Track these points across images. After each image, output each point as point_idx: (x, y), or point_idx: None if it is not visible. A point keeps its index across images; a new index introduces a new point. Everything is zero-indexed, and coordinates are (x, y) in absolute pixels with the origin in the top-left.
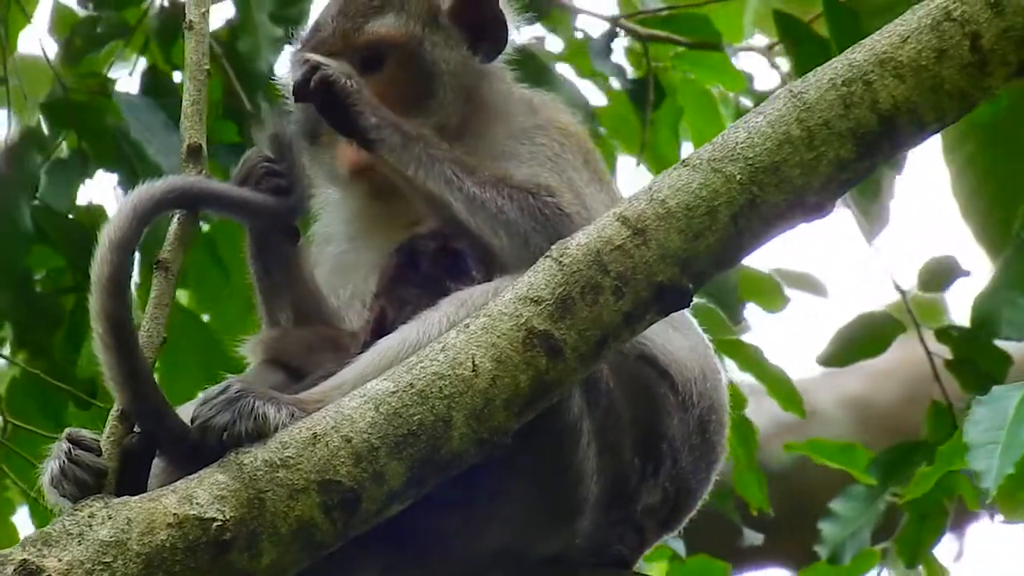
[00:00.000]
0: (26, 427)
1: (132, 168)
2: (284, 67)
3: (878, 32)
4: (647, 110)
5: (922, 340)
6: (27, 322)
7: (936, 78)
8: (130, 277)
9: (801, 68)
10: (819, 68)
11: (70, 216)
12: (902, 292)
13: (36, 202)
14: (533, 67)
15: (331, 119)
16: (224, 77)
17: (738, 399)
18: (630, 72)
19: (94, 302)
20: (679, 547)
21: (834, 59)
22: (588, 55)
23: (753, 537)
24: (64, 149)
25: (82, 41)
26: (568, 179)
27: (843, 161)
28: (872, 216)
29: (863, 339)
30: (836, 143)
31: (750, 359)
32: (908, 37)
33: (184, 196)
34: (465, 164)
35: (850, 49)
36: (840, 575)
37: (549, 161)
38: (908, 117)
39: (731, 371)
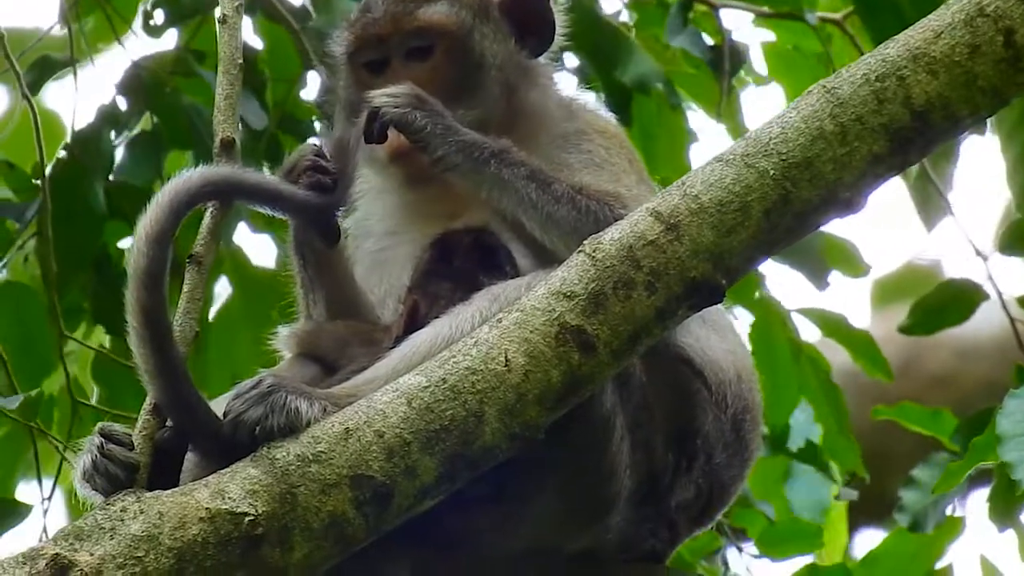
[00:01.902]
0: (97, 406)
1: (206, 145)
2: (335, 46)
3: (912, 27)
4: (724, 78)
5: (1004, 306)
6: (104, 300)
7: (969, 74)
8: (166, 270)
9: (876, 38)
10: (852, 63)
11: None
12: (984, 257)
13: (112, 179)
14: (610, 37)
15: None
16: (303, 53)
17: (822, 364)
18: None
19: (130, 295)
20: (769, 511)
21: (867, 54)
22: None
23: (848, 494)
24: (144, 124)
25: (168, 14)
26: (627, 186)
27: (876, 156)
28: (931, 202)
29: (946, 307)
30: (869, 138)
31: (833, 324)
32: (941, 32)
33: (219, 188)
34: (539, 178)
35: (883, 44)
36: (923, 543)
37: (603, 168)
38: (941, 113)
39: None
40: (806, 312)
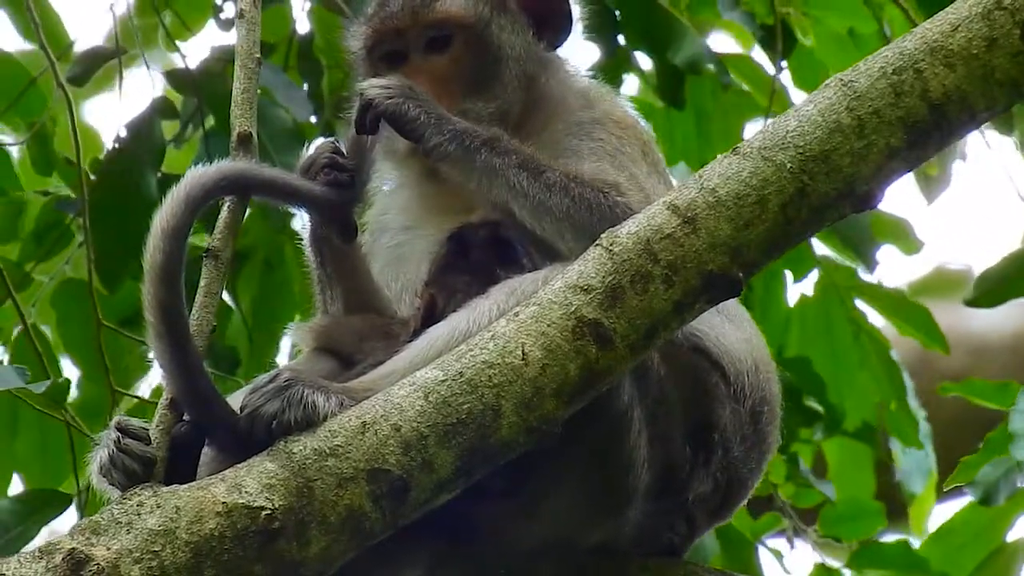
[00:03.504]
0: (135, 396)
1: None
2: (353, 41)
3: (929, 20)
4: (778, 57)
5: None
6: None
7: (986, 67)
8: (182, 265)
9: (926, 9)
10: (869, 56)
11: None
12: None
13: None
14: (660, 17)
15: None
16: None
17: (882, 343)
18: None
19: (146, 291)
20: (829, 490)
21: (884, 47)
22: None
23: (911, 480)
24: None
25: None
26: (631, 175)
27: (894, 150)
28: (933, 179)
29: (1013, 278)
30: (887, 132)
31: (890, 301)
32: (959, 25)
33: (235, 183)
34: (531, 166)
35: (901, 38)
36: (992, 516)
37: (610, 156)
38: (959, 106)
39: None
40: (860, 289)
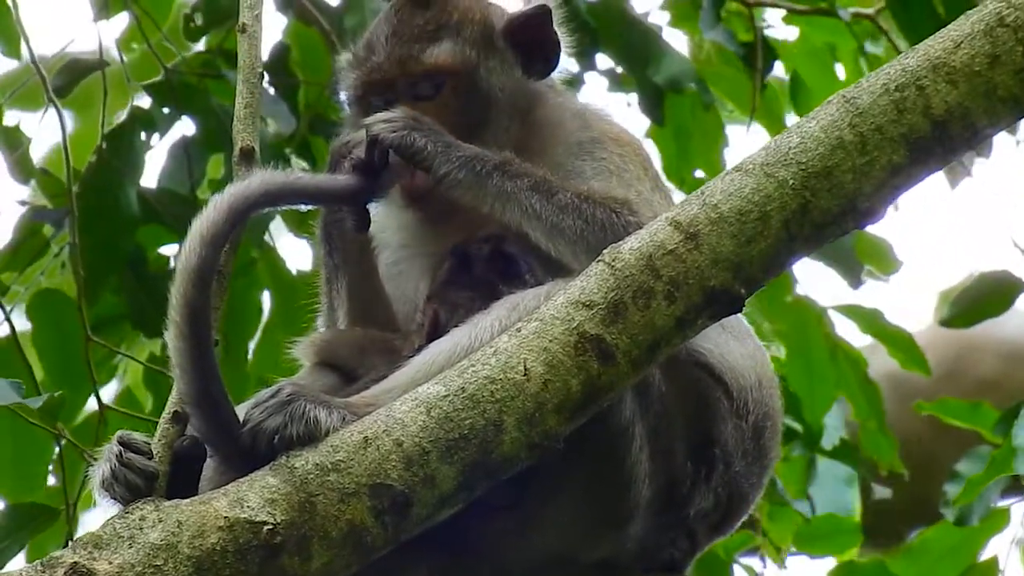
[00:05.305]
0: (128, 412)
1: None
2: (343, 84)
3: (931, 37)
4: (758, 74)
5: None
6: (142, 302)
7: (989, 83)
8: (215, 273)
9: (908, 33)
10: (872, 73)
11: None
12: None
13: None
14: (640, 35)
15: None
16: (332, 53)
17: (859, 361)
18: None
19: (176, 291)
20: (805, 509)
21: (887, 64)
22: (696, 21)
23: (882, 491)
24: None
25: (205, 17)
26: (638, 192)
27: (896, 166)
28: (954, 167)
29: (985, 299)
30: (889, 148)
31: (870, 321)
32: (961, 42)
33: (276, 195)
34: (543, 188)
35: (903, 54)
36: (964, 535)
37: (615, 175)
38: (961, 122)
39: (848, 334)
40: (842, 309)
